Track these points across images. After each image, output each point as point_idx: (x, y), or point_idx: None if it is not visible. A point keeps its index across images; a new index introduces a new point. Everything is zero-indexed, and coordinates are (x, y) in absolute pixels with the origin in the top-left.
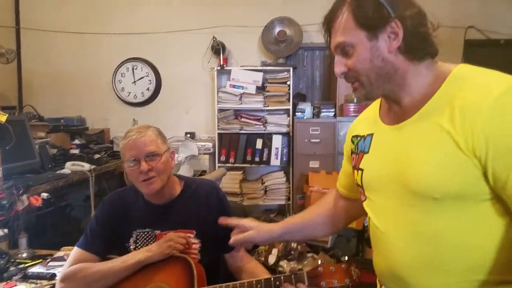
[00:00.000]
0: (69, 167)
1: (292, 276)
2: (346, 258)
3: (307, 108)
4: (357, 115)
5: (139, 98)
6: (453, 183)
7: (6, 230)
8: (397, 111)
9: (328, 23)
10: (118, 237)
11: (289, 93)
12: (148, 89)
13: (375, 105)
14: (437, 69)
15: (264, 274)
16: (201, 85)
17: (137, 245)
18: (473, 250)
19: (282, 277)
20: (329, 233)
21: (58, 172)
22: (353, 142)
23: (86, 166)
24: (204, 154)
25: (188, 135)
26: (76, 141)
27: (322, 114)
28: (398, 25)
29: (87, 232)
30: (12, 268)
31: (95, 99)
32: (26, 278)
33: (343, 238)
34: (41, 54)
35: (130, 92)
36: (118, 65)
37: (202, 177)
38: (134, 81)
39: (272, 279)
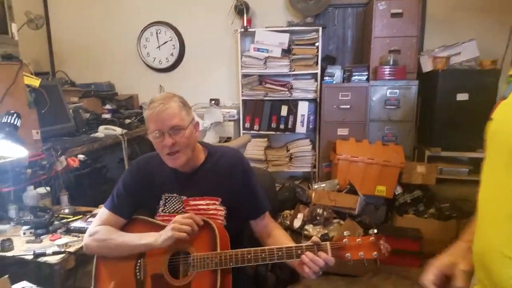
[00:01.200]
0: (102, 131)
1: (315, 246)
2: (375, 231)
3: (336, 72)
4: (393, 78)
5: (164, 63)
6: None
7: (48, 188)
8: None
9: None
10: (146, 200)
11: (317, 55)
12: (172, 54)
13: None
14: None
15: (288, 242)
16: (224, 49)
17: (166, 207)
18: None
19: (304, 247)
20: None
21: (92, 135)
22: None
23: (118, 130)
24: (229, 121)
25: (213, 102)
26: (107, 106)
27: (354, 78)
28: None
29: (114, 195)
30: (56, 223)
31: (122, 65)
32: (68, 231)
33: (372, 206)
34: (68, 20)
35: (155, 58)
36: (142, 29)
37: (227, 143)
38: (159, 46)
39: (293, 247)
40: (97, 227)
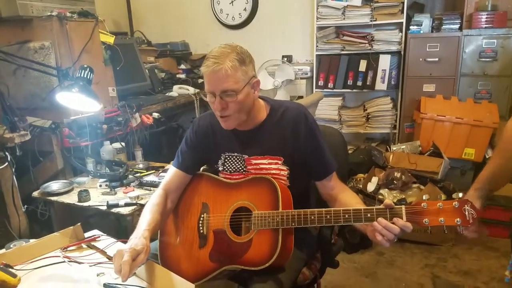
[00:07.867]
0: (176, 90)
1: (387, 210)
2: (461, 195)
3: (424, 21)
4: (491, 27)
5: (237, 19)
6: None
7: (123, 144)
8: None
9: None
10: (207, 158)
11: (402, 2)
12: (245, 9)
13: None
14: None
15: (359, 206)
16: (299, 0)
17: (225, 167)
18: None
19: (374, 210)
20: None
21: (166, 94)
22: None
23: (191, 90)
24: (301, 78)
25: (285, 59)
26: (182, 66)
27: (444, 27)
28: None
29: (179, 152)
30: (130, 176)
31: (196, 23)
32: (141, 185)
33: (457, 170)
34: None
35: (228, 14)
36: None
37: (297, 101)
38: (232, 1)
39: (362, 210)
40: (152, 198)
